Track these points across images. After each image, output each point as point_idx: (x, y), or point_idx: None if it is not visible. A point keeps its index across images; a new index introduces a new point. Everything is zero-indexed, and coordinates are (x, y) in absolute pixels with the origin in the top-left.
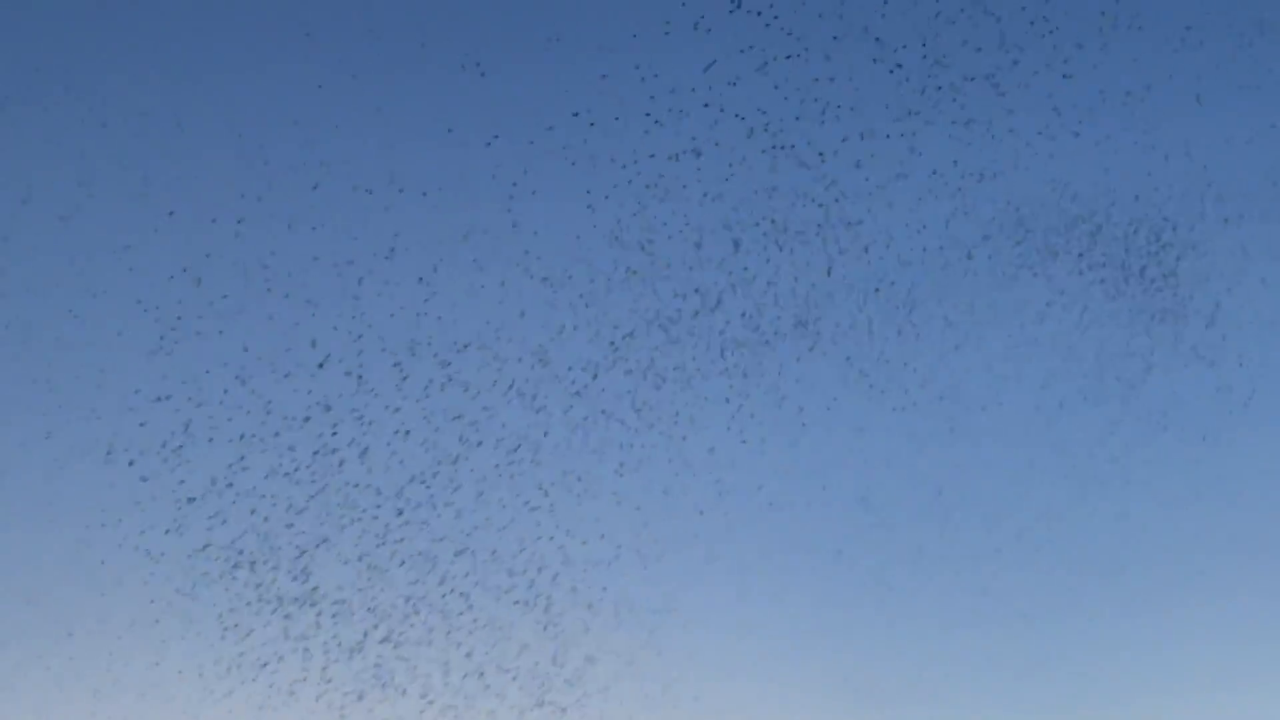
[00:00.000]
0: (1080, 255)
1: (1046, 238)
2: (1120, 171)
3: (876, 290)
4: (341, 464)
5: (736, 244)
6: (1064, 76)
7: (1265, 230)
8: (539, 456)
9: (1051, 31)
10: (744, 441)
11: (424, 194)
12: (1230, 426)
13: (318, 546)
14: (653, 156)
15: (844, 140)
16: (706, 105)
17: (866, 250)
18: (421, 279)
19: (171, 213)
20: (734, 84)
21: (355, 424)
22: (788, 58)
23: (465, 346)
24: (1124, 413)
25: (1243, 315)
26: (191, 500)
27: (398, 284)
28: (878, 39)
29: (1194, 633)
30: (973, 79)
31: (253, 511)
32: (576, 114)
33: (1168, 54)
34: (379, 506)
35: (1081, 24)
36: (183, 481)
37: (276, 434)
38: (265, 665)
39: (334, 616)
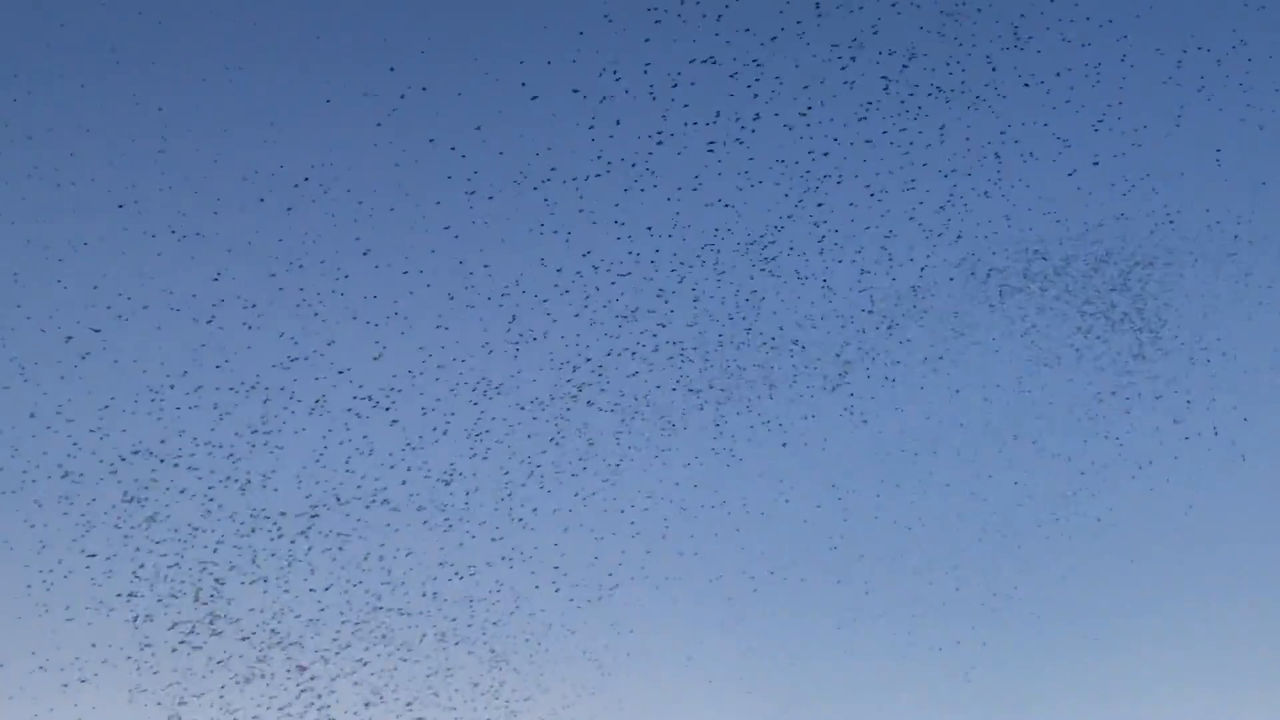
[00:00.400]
0: (1043, 290)
1: (1015, 274)
2: (1095, 208)
3: (856, 319)
4: (257, 489)
5: (718, 269)
6: (1049, 104)
7: (1233, 267)
8: (480, 483)
9: (1036, 55)
10: (724, 460)
11: (390, 209)
12: (1203, 462)
13: (230, 570)
14: (612, 163)
15: (812, 161)
16: (664, 118)
17: (858, 279)
18: (370, 297)
19: (120, 204)
20: (694, 83)
21: (278, 454)
22: (758, 74)
23: (412, 373)
24: (1098, 446)
25: (1215, 351)
26: (92, 527)
27: (340, 310)
28: (844, 69)
29: (1169, 676)
30: (947, 102)
31: (168, 542)
32: (534, 99)
33: (1141, 87)
34: (300, 535)
35: (1055, 55)
36: (93, 501)
37: (195, 457)
38: (184, 703)
39: (259, 647)
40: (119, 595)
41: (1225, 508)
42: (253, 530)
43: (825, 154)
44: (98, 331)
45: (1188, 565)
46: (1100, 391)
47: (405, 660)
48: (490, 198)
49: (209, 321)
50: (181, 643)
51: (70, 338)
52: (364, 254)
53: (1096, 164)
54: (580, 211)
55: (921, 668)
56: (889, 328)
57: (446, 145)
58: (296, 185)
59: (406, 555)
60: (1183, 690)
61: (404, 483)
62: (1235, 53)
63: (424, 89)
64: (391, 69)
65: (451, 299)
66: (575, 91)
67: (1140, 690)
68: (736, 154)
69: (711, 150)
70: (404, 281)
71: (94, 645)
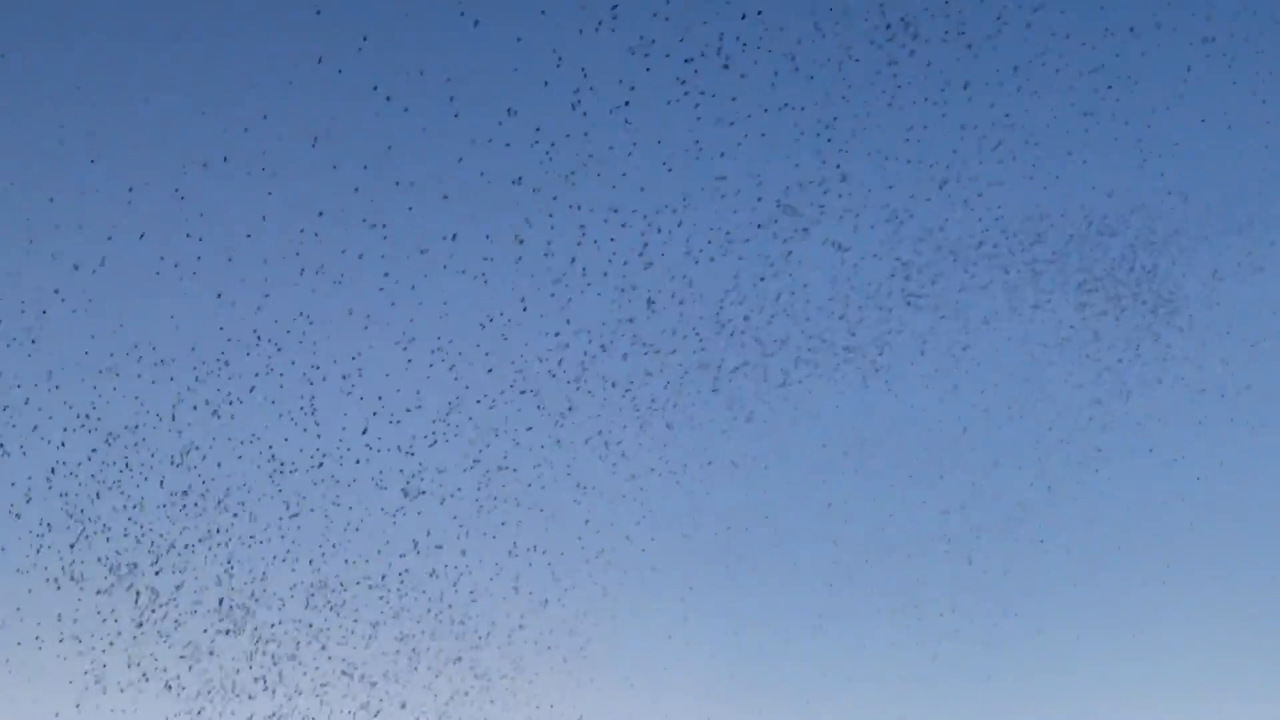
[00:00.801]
0: (1051, 267)
1: (1021, 251)
2: (1101, 187)
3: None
4: (214, 462)
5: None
6: (1034, 91)
7: (1242, 242)
8: (446, 477)
9: (1026, 27)
10: (717, 433)
11: (364, 166)
12: (1214, 446)
13: (179, 544)
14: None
15: (798, 140)
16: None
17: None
18: (344, 257)
19: (92, 160)
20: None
21: (239, 426)
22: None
23: (399, 344)
24: (1110, 428)
25: (1222, 330)
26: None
27: (315, 277)
28: (822, 30)
29: (1176, 656)
30: (938, 71)
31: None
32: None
33: (1149, 56)
34: (263, 509)
35: (1051, 30)
36: (30, 477)
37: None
38: (136, 685)
39: (214, 623)
40: (66, 569)
41: (1245, 491)
42: (197, 504)
43: (827, 126)
44: (58, 293)
45: (1205, 547)
46: (1112, 371)
47: (374, 637)
48: (467, 164)
49: (178, 289)
50: (135, 623)
51: (24, 308)
52: (340, 217)
53: (1101, 136)
54: (566, 174)
55: (925, 655)
56: (893, 307)
57: (423, 101)
58: (268, 146)
59: (381, 528)
60: (1193, 674)
61: (373, 456)
62: (1244, 22)
63: (363, 40)
64: (318, 12)
65: (423, 253)
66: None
67: (1149, 674)
68: (717, 106)
69: (695, 101)
70: (382, 247)
71: (59, 618)
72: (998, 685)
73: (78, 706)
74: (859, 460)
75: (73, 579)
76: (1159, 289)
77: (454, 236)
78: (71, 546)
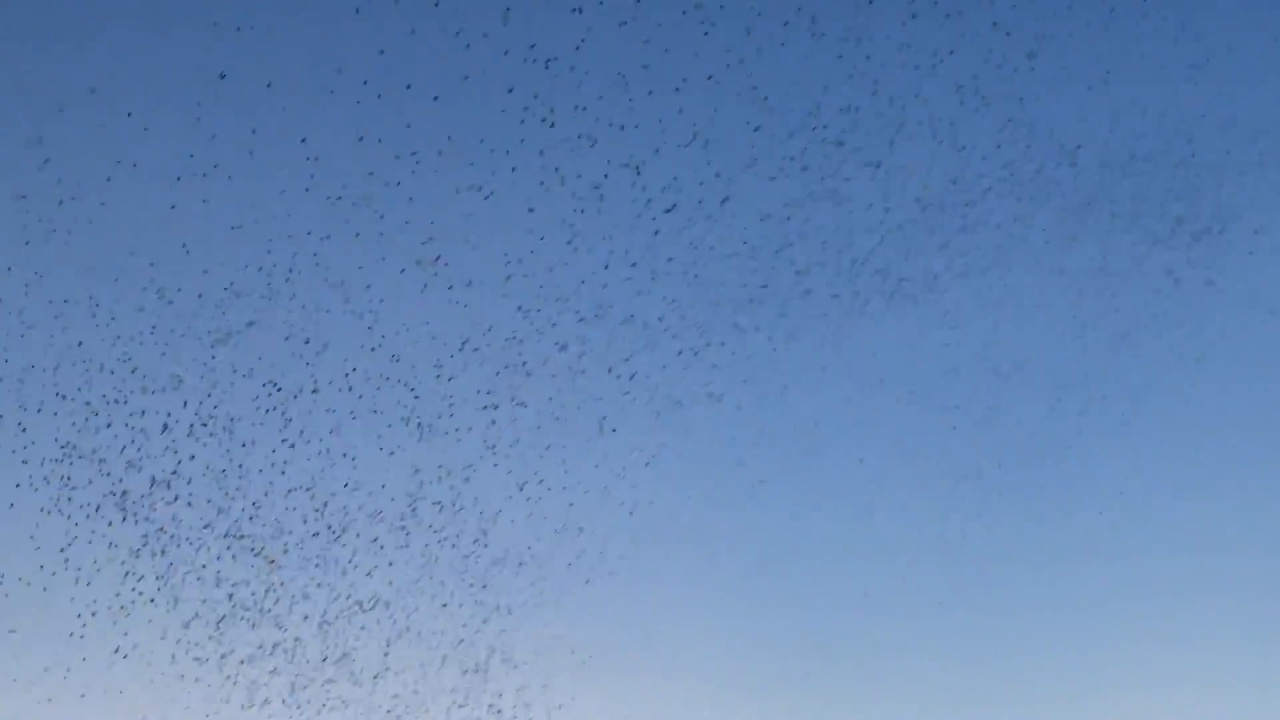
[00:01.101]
0: (1087, 194)
1: (1060, 181)
2: (1141, 110)
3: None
4: (214, 391)
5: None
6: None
7: None
8: (434, 441)
9: None
10: (737, 371)
11: (379, 95)
12: (1259, 374)
13: (177, 475)
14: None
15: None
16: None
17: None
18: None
19: (91, 89)
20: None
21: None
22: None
23: (403, 271)
24: (1152, 371)
25: (1267, 260)
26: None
27: (323, 202)
28: None
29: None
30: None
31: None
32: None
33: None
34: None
35: None
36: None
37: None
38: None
39: (220, 553)
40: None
41: None
42: (198, 434)
43: (854, 41)
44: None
45: (1237, 488)
46: (1150, 302)
47: (386, 567)
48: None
49: (184, 215)
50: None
51: (25, 239)
52: (355, 143)
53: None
54: (577, 107)
55: (939, 595)
56: (931, 231)
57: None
58: (277, 79)
59: (390, 460)
60: (1223, 625)
61: (379, 389)
62: None
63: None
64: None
65: (407, 170)
66: None
67: (1174, 617)
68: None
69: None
70: (391, 169)
71: (61, 549)
72: (1013, 631)
73: (82, 636)
74: (896, 390)
75: (72, 511)
76: (1201, 217)
77: (450, 137)
78: (66, 479)
